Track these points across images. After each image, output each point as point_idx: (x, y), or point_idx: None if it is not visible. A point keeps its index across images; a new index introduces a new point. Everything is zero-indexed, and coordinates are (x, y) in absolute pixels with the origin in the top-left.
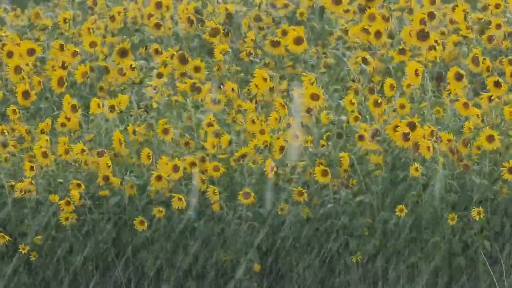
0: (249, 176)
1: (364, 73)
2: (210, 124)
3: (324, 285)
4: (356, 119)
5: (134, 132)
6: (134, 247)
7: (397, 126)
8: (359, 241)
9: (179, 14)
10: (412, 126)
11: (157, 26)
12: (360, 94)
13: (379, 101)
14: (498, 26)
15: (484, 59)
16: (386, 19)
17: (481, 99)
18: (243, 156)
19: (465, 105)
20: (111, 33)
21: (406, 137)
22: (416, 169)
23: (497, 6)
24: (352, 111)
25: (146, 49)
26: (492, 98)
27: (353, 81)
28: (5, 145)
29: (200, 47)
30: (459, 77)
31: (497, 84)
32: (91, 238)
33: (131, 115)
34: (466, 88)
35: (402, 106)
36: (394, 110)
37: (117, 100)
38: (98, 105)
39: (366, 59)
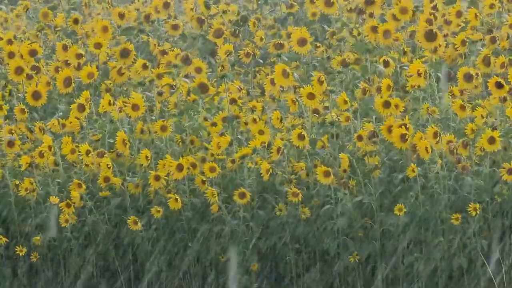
0: (248, 177)
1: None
2: (214, 124)
3: (323, 286)
4: (347, 119)
5: (142, 131)
6: (134, 247)
7: (391, 127)
8: (358, 242)
9: (186, 12)
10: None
11: (175, 27)
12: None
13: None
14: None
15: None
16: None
17: (493, 98)
18: (241, 157)
19: (462, 107)
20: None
21: (403, 138)
22: (413, 170)
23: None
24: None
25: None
26: (505, 98)
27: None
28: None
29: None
30: (469, 78)
31: (498, 85)
32: (91, 238)
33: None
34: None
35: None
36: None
37: (134, 99)
38: (109, 103)
39: (388, 61)
